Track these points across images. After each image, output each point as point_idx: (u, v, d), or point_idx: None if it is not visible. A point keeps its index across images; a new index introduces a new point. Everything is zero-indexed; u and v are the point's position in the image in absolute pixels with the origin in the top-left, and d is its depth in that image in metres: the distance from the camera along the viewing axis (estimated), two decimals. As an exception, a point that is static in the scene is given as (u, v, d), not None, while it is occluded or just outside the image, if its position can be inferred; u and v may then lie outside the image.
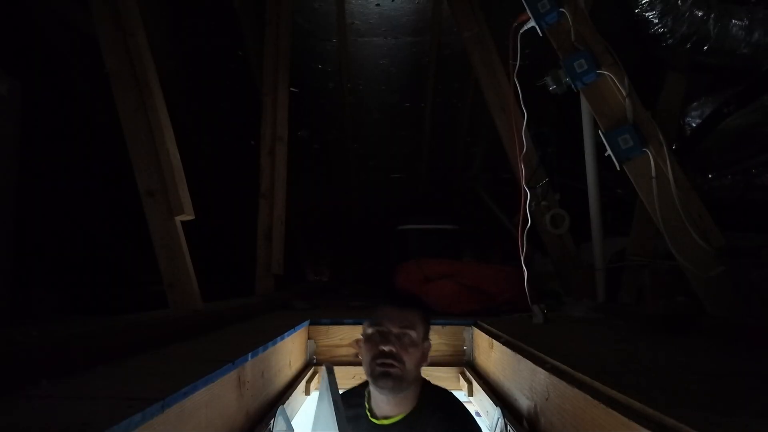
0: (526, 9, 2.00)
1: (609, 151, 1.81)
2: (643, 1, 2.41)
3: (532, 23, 2.01)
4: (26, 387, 0.81)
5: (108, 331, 1.15)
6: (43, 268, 3.23)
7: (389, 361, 1.18)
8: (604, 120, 1.89)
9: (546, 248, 2.52)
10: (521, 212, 2.19)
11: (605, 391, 0.87)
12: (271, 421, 1.25)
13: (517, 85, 2.14)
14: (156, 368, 1.00)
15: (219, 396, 1.00)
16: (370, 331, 1.26)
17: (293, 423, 1.44)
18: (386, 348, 1.19)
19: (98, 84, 3.14)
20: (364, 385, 1.37)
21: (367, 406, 1.31)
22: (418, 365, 1.25)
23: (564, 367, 1.06)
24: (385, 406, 1.25)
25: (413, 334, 1.23)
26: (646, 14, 2.43)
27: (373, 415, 1.28)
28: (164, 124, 1.72)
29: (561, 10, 1.95)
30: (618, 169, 1.84)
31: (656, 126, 1.82)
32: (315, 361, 1.93)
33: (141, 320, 1.31)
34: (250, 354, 1.19)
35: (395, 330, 1.22)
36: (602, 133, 1.85)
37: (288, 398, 1.47)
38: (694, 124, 2.73)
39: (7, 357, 0.85)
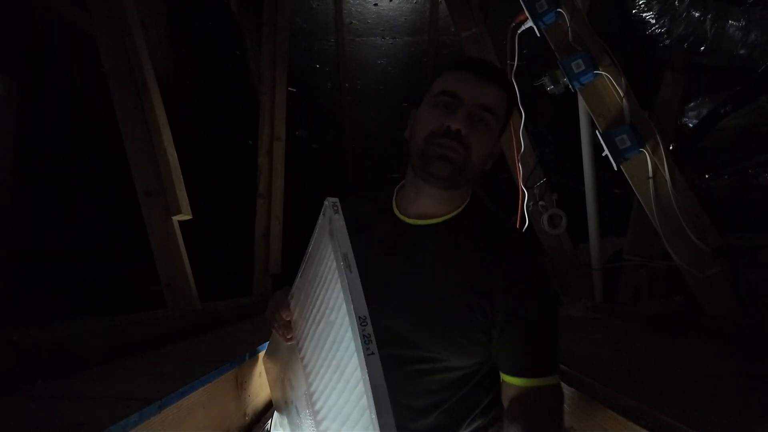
0: (523, 9, 2.01)
1: (606, 152, 1.82)
2: (640, 2, 2.41)
3: (529, 23, 2.01)
4: (24, 387, 0.81)
5: (106, 331, 1.14)
6: (42, 269, 3.23)
7: (452, 143, 0.84)
8: (601, 120, 1.89)
9: (544, 248, 2.52)
10: (519, 212, 2.19)
11: (603, 390, 0.87)
12: (269, 422, 1.25)
13: (515, 85, 2.14)
14: (154, 368, 1.00)
15: (216, 396, 1.00)
16: (435, 99, 0.88)
17: (291, 423, 1.44)
18: (453, 125, 0.83)
19: (96, 84, 3.14)
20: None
21: (394, 202, 0.97)
22: (485, 161, 0.90)
23: (562, 366, 1.06)
24: (425, 200, 0.92)
25: (491, 119, 0.87)
26: (644, 15, 2.44)
27: (403, 212, 0.95)
28: (162, 124, 1.72)
29: (559, 10, 1.95)
30: (615, 169, 1.84)
31: (654, 126, 1.83)
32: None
33: (139, 320, 1.31)
34: (247, 354, 1.19)
35: (470, 104, 0.85)
36: (600, 133, 1.86)
37: (286, 398, 1.47)
38: (691, 125, 2.73)
39: (5, 357, 0.85)
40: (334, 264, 0.72)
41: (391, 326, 0.85)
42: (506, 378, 0.84)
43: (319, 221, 0.79)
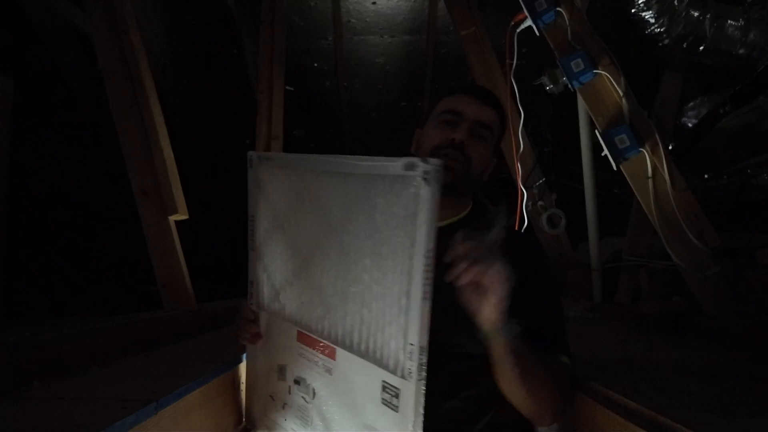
0: (523, 8, 2.00)
1: (606, 151, 1.82)
2: (639, 1, 2.41)
3: (529, 22, 2.01)
4: (19, 388, 0.80)
5: (101, 331, 1.14)
6: (37, 269, 3.21)
7: (455, 153, 0.95)
8: (600, 120, 1.89)
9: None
10: (518, 212, 2.19)
11: (602, 391, 0.87)
12: (267, 422, 1.24)
13: (514, 84, 2.14)
14: (150, 369, 1.00)
15: (213, 397, 0.99)
16: (439, 117, 1.01)
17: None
18: (457, 137, 0.96)
19: (92, 82, 3.12)
20: None
21: None
22: (482, 172, 1.02)
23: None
24: None
25: (488, 134, 1.00)
26: (643, 14, 2.44)
27: None
28: (158, 123, 1.71)
29: (558, 9, 1.95)
30: (615, 169, 1.84)
31: (653, 126, 1.83)
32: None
33: (135, 320, 1.30)
34: (244, 355, 1.18)
35: (471, 120, 0.98)
36: (599, 132, 1.85)
37: (283, 399, 1.47)
38: (690, 124, 2.73)
39: (0, 358, 0.84)
40: None
41: None
42: None
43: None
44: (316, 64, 3.66)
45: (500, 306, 0.75)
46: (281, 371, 0.92)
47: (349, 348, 0.78)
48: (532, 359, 0.81)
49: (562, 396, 0.86)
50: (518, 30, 2.09)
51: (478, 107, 1.00)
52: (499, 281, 0.74)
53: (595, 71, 1.87)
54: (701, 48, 2.45)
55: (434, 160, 0.69)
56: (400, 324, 0.70)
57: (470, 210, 1.05)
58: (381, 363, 0.73)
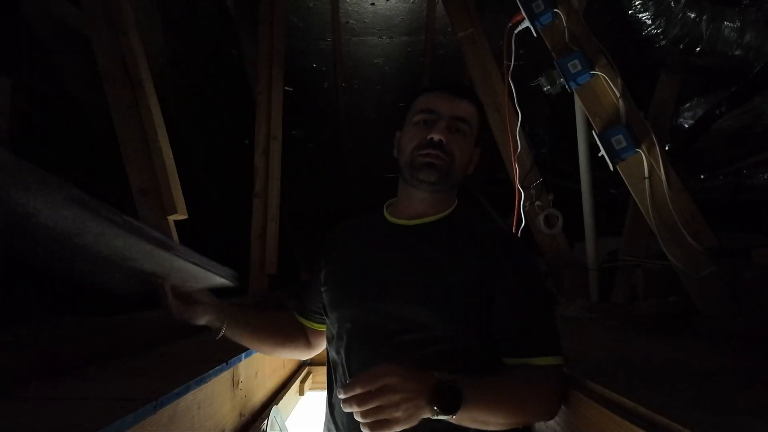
0: (520, 9, 2.01)
1: (602, 152, 1.82)
2: (636, 3, 2.42)
3: (526, 24, 2.02)
4: (18, 388, 0.80)
5: (100, 331, 1.14)
6: (35, 269, 3.20)
7: (436, 152, 0.96)
8: (597, 120, 1.90)
9: (540, 248, 2.53)
10: (515, 212, 2.20)
11: (599, 390, 0.87)
12: (265, 422, 1.25)
13: (512, 85, 2.15)
14: (148, 368, 1.00)
15: (212, 396, 1.00)
16: (415, 117, 1.01)
17: (286, 423, 1.44)
18: (435, 137, 0.96)
19: (91, 82, 3.12)
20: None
21: (386, 210, 1.08)
22: (466, 166, 1.03)
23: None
24: (417, 205, 1.03)
25: (467, 128, 1.00)
26: (640, 15, 2.44)
27: (396, 217, 1.05)
28: (157, 123, 1.71)
29: (555, 10, 1.96)
30: (611, 169, 1.85)
31: (649, 127, 1.84)
32: (308, 361, 1.93)
33: (134, 320, 1.30)
34: (243, 354, 1.19)
35: (447, 117, 0.98)
36: (596, 133, 1.86)
37: (281, 398, 1.47)
38: (686, 125, 2.74)
39: (-3, 358, 0.84)
40: None
41: (402, 314, 0.91)
42: (507, 362, 0.89)
43: None
44: (314, 65, 3.66)
45: (411, 419, 0.71)
46: None
47: None
48: (491, 393, 0.80)
49: (546, 400, 0.86)
50: (516, 31, 2.09)
51: (453, 102, 0.99)
52: (398, 411, 0.69)
53: (592, 72, 1.88)
54: (697, 49, 2.46)
55: None
56: None
57: (455, 207, 1.05)
58: None
